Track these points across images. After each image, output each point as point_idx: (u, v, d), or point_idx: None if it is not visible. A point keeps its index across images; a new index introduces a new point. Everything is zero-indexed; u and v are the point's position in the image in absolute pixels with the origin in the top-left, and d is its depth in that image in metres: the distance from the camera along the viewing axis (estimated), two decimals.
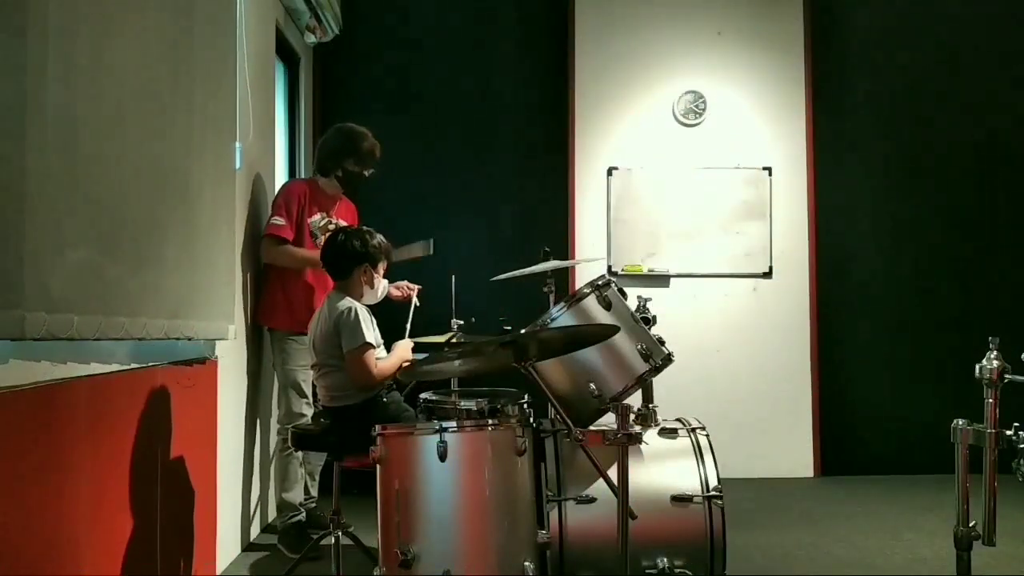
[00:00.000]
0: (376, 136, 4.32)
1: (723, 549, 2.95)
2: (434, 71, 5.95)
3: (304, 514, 4.19)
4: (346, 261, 3.45)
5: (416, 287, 4.17)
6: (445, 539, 2.54)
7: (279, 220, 4.13)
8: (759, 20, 6.00)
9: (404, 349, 3.47)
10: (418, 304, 3.97)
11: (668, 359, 3.08)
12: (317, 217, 4.19)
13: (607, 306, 3.02)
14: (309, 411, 4.12)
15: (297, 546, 3.98)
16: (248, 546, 4.17)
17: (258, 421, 4.34)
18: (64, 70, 2.10)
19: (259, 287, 4.29)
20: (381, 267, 3.52)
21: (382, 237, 3.58)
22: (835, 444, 5.94)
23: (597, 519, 2.89)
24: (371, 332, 3.38)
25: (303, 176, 5.44)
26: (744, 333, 5.92)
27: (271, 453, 4.49)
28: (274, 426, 4.44)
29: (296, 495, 4.19)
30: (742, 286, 5.95)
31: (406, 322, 3.76)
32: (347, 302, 3.38)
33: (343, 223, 4.16)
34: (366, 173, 4.31)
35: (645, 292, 3.43)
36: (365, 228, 3.59)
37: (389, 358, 3.42)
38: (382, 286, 3.58)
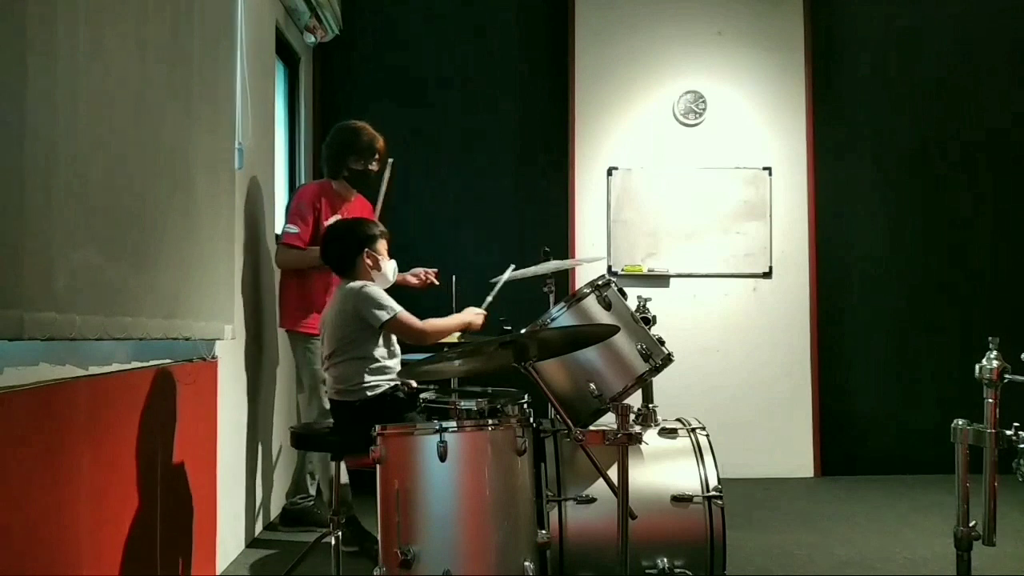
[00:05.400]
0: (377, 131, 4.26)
1: (723, 549, 2.95)
2: (434, 71, 5.94)
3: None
4: (347, 253, 3.36)
5: (433, 270, 4.15)
6: (445, 539, 2.54)
7: (293, 228, 4.10)
8: (759, 20, 6.00)
9: (472, 313, 3.45)
10: (435, 283, 4.06)
11: (668, 359, 3.08)
12: (333, 220, 4.06)
13: (607, 306, 3.02)
14: None
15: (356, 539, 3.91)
16: (248, 546, 4.17)
17: (258, 421, 4.34)
18: (64, 71, 2.10)
19: (280, 292, 4.29)
20: (382, 246, 3.40)
21: (374, 221, 3.54)
22: (835, 444, 5.94)
23: (597, 519, 2.89)
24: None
25: (304, 177, 5.43)
26: (744, 333, 5.92)
27: (274, 455, 4.49)
28: (279, 427, 4.43)
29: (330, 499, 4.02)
30: (742, 286, 5.94)
31: (488, 294, 3.59)
32: (360, 282, 3.29)
33: None
34: (372, 167, 4.23)
35: (645, 292, 3.43)
36: (352, 217, 3.55)
37: (452, 317, 3.41)
38: (391, 266, 3.44)
